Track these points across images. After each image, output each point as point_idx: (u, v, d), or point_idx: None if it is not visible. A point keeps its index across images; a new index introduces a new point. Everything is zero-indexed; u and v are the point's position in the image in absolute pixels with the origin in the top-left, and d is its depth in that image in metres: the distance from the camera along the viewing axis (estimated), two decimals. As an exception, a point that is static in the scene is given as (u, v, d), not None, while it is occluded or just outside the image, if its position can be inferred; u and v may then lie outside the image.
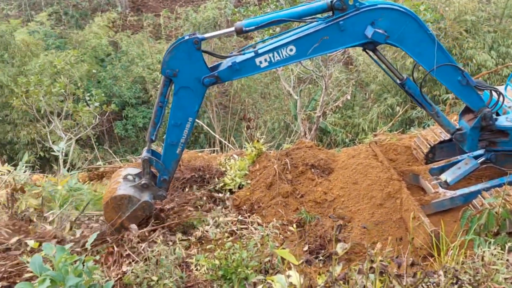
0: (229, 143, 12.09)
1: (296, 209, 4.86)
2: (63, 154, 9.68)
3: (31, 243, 2.60)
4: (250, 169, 5.49)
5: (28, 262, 2.43)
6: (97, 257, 3.39)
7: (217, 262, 2.94)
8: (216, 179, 5.69)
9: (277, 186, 5.04)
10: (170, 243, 4.13)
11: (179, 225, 4.41)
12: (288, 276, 1.84)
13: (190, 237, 4.32)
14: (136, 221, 4.13)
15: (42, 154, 15.36)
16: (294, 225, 4.28)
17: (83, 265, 2.39)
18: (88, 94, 10.61)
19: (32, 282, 2.40)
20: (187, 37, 3.72)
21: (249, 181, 5.40)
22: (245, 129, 7.30)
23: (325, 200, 4.77)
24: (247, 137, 7.00)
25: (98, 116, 10.72)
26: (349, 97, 12.72)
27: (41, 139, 15.76)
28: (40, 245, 2.53)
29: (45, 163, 15.22)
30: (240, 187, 5.48)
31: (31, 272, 3.22)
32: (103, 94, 10.88)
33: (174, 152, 4.10)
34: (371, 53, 4.15)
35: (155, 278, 3.12)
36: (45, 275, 2.19)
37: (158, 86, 19.41)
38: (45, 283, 2.12)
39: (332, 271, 2.13)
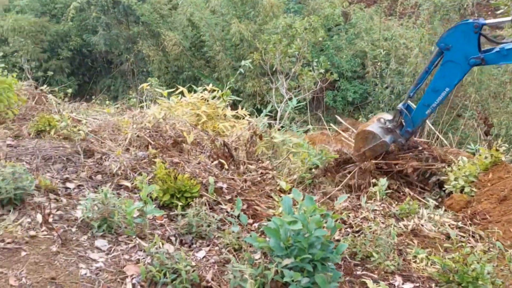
0: (443, 138, 11.09)
1: (533, 234, 4.14)
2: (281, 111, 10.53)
3: (283, 184, 2.89)
4: (480, 177, 4.92)
5: (278, 201, 2.72)
6: (344, 217, 3.60)
7: (450, 264, 2.74)
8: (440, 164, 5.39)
9: (513, 202, 4.37)
10: (382, 224, 4.07)
11: None
12: None
13: (401, 225, 4.17)
14: (373, 154, 5.07)
15: (258, 106, 17.06)
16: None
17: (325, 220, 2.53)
18: (316, 60, 11.06)
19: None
20: (470, 20, 4.26)
21: (474, 189, 4.86)
22: (484, 135, 6.58)
23: None
24: (485, 143, 6.23)
25: (319, 82, 11.16)
26: None
27: (262, 93, 17.45)
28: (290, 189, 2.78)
29: (259, 114, 16.97)
30: (461, 191, 5.00)
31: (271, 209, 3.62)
32: (328, 62, 11.21)
33: (424, 112, 4.81)
34: None
35: (376, 255, 3.12)
36: (295, 217, 2.40)
37: (378, 63, 18.77)
38: (297, 224, 2.33)
39: None
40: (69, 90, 7.09)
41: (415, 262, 3.29)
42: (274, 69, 11.30)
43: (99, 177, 4.04)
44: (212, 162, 4.50)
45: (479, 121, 15.24)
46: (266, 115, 5.83)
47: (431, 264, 3.28)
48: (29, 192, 3.21)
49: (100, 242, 3.00)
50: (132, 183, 3.98)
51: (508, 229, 4.21)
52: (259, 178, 4.31)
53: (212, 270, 2.81)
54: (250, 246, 3.08)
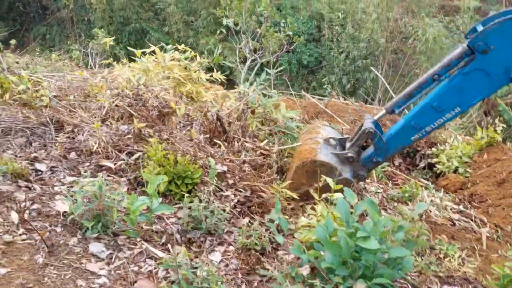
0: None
1: (533, 220, 4.13)
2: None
3: (331, 181, 2.44)
4: (475, 158, 4.83)
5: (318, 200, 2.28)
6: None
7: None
8: (427, 148, 5.24)
9: (512, 186, 4.32)
10: (390, 211, 3.82)
11: None
12: None
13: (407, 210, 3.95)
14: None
15: (212, 65, 16.25)
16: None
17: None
18: (283, 21, 10.48)
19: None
20: None
21: (469, 170, 4.78)
22: (484, 115, 6.41)
23: None
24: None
25: (286, 45, 10.65)
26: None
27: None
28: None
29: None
30: (455, 171, 4.91)
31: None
32: (295, 24, 10.68)
33: (409, 137, 3.40)
34: None
35: (416, 259, 2.84)
36: (364, 231, 1.97)
37: (334, 26, 18.43)
38: (370, 241, 1.89)
39: None
40: (12, 42, 5.97)
41: (448, 260, 3.07)
42: (238, 27, 10.54)
43: (73, 155, 3.35)
44: (202, 137, 3.94)
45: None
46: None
47: (463, 262, 3.10)
48: (-4, 181, 2.51)
49: (95, 247, 2.41)
50: (115, 164, 3.34)
51: (508, 214, 4.16)
52: (260, 161, 3.83)
53: (242, 282, 2.37)
54: (276, 247, 2.67)
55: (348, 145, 3.69)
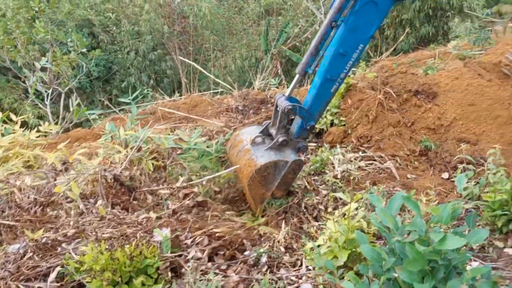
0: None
1: (410, 138, 4.77)
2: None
3: (342, 195, 2.17)
4: (342, 106, 5.24)
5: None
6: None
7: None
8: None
9: (384, 117, 4.88)
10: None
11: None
12: None
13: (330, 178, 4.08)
14: (288, 186, 3.56)
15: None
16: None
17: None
18: (69, 40, 9.27)
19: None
20: None
21: (343, 118, 5.18)
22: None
23: (441, 126, 4.74)
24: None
25: (85, 65, 9.51)
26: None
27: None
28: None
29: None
30: (331, 125, 5.27)
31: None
32: (84, 39, 9.59)
33: (328, 91, 3.43)
34: None
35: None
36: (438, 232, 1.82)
37: (108, 30, 17.34)
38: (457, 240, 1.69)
39: None
40: None
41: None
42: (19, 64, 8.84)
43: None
44: (113, 208, 3.20)
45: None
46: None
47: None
48: None
49: None
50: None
51: (395, 142, 4.72)
52: (190, 204, 3.31)
53: None
54: None
55: (273, 131, 3.61)
